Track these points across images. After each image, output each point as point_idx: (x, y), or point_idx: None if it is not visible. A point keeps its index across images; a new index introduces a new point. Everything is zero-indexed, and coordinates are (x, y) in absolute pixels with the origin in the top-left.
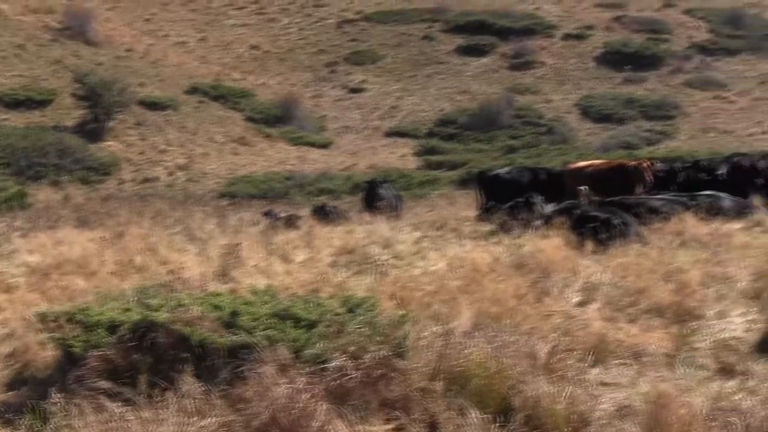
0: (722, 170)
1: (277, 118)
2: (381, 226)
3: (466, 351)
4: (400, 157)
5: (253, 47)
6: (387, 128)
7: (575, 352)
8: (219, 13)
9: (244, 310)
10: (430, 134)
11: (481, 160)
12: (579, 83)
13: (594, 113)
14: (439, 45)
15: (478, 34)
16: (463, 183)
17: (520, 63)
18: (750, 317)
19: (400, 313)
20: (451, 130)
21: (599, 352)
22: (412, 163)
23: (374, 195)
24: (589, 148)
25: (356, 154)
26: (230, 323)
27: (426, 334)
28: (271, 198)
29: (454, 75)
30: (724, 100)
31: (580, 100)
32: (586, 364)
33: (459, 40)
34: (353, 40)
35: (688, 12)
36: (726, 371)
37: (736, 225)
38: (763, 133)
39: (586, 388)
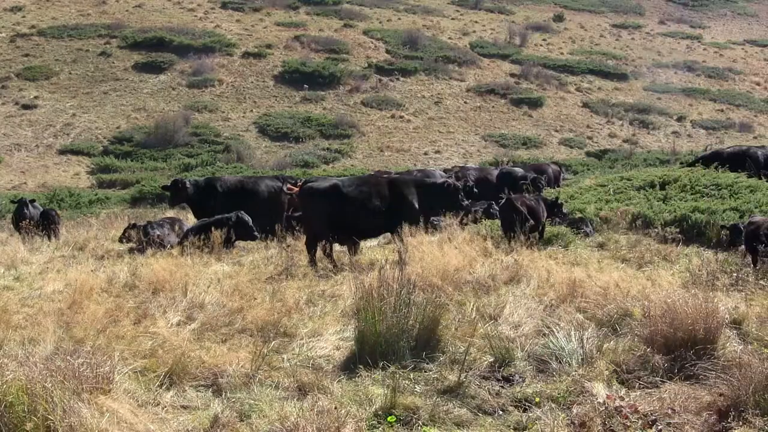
0: None
1: None
2: (18, 247)
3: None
4: (74, 175)
5: None
6: (60, 146)
7: (153, 374)
8: None
9: None
10: (105, 152)
11: (155, 179)
12: (257, 102)
13: (272, 132)
14: (116, 61)
15: (156, 51)
16: (134, 201)
17: (199, 81)
18: None
19: None
20: (126, 148)
21: (178, 374)
22: (85, 181)
23: (21, 214)
24: (265, 167)
25: (26, 172)
26: None
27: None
28: None
29: (131, 92)
30: (401, 120)
31: (258, 119)
32: (163, 387)
33: (137, 57)
34: (26, 55)
35: (366, 33)
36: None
37: None
38: (436, 152)
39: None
